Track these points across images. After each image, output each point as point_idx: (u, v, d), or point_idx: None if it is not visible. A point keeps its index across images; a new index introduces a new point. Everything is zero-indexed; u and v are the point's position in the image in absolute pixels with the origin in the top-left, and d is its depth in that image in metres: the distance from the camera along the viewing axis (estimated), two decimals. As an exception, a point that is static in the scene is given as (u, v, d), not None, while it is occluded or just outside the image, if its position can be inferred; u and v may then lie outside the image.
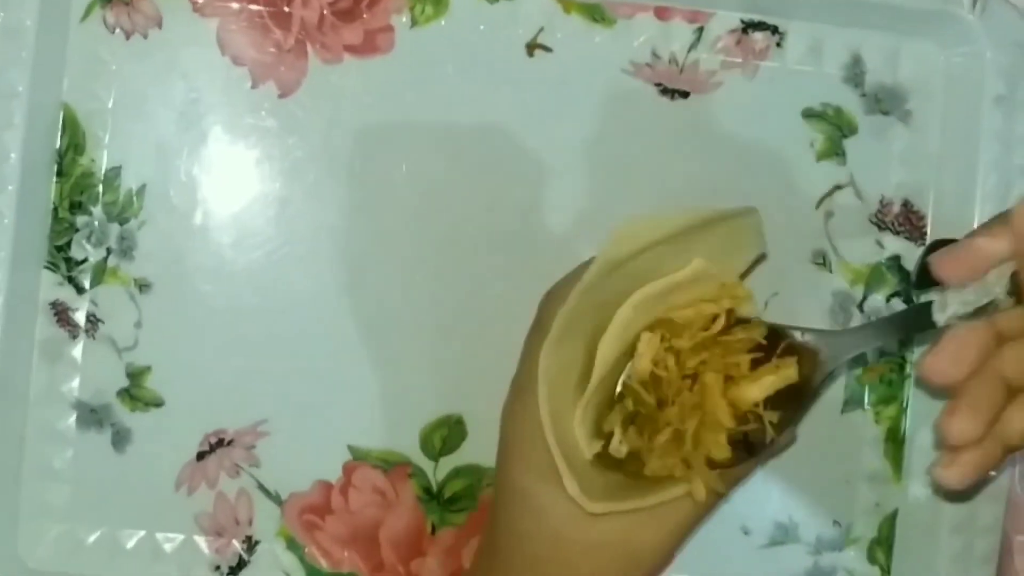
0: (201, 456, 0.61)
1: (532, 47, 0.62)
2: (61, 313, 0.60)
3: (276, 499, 0.61)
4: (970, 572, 0.61)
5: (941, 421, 0.44)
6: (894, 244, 0.63)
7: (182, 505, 0.61)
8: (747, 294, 0.52)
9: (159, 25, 0.60)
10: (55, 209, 0.60)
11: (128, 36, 0.60)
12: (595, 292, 0.49)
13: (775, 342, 0.52)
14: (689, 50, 0.62)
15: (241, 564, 0.61)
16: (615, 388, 0.52)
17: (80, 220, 0.60)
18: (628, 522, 0.49)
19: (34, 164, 0.59)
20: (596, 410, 0.51)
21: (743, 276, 0.55)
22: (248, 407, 0.61)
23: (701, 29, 0.62)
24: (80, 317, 0.60)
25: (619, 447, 0.50)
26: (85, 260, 0.60)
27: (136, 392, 0.61)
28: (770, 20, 0.62)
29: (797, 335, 0.52)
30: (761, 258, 0.56)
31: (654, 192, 0.62)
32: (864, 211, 0.63)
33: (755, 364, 0.51)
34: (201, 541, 0.61)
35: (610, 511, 0.49)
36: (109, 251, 0.60)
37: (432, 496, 0.62)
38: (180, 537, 0.61)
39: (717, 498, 0.51)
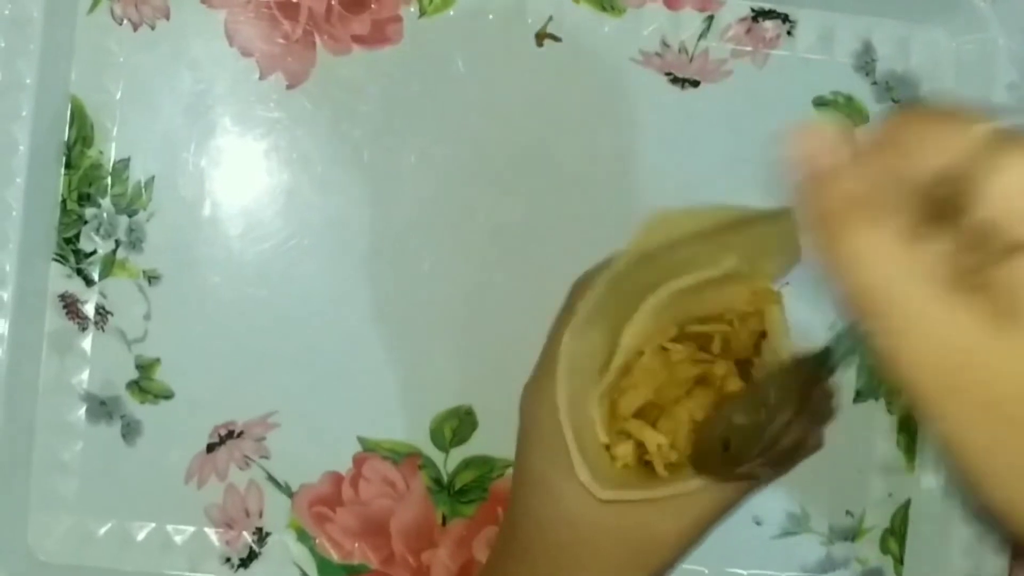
0: (211, 448, 0.61)
1: (541, 37, 0.61)
2: (70, 305, 0.60)
3: (286, 491, 0.61)
4: (983, 562, 0.61)
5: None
6: (906, 232, 0.63)
7: (192, 497, 0.61)
8: (778, 299, 0.51)
9: (167, 16, 0.60)
10: (63, 201, 0.60)
11: (136, 27, 0.60)
12: (624, 281, 0.48)
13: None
14: (699, 39, 0.62)
15: (252, 556, 0.61)
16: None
17: (89, 212, 0.60)
18: (644, 509, 0.49)
19: (42, 156, 0.59)
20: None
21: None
22: (258, 399, 0.61)
23: (711, 18, 0.62)
24: (89, 309, 0.60)
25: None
26: (94, 252, 0.60)
27: (145, 384, 0.60)
28: (780, 8, 0.62)
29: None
30: (797, 264, 0.55)
31: (664, 181, 0.62)
32: (876, 200, 0.63)
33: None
34: (211, 533, 0.61)
35: (620, 499, 0.48)
36: (118, 243, 0.60)
37: (442, 487, 0.62)
38: (190, 529, 0.61)
39: (739, 496, 0.51)
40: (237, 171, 0.61)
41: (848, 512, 0.63)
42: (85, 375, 0.61)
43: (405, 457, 0.61)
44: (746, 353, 0.51)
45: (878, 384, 0.63)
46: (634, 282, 0.49)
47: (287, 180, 0.61)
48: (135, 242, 0.60)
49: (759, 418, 0.47)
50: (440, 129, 0.61)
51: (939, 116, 0.33)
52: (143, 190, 0.60)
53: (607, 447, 0.50)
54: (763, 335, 0.51)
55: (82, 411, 0.61)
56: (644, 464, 0.50)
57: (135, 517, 0.61)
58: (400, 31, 0.61)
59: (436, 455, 0.62)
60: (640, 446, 0.50)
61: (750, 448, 0.48)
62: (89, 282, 0.60)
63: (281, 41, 0.60)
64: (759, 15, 0.62)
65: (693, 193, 0.62)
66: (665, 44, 0.62)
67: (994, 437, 0.32)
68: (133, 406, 0.61)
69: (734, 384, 0.50)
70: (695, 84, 0.62)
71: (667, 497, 0.49)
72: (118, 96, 0.60)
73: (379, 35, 0.61)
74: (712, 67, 0.62)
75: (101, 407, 0.61)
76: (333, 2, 0.60)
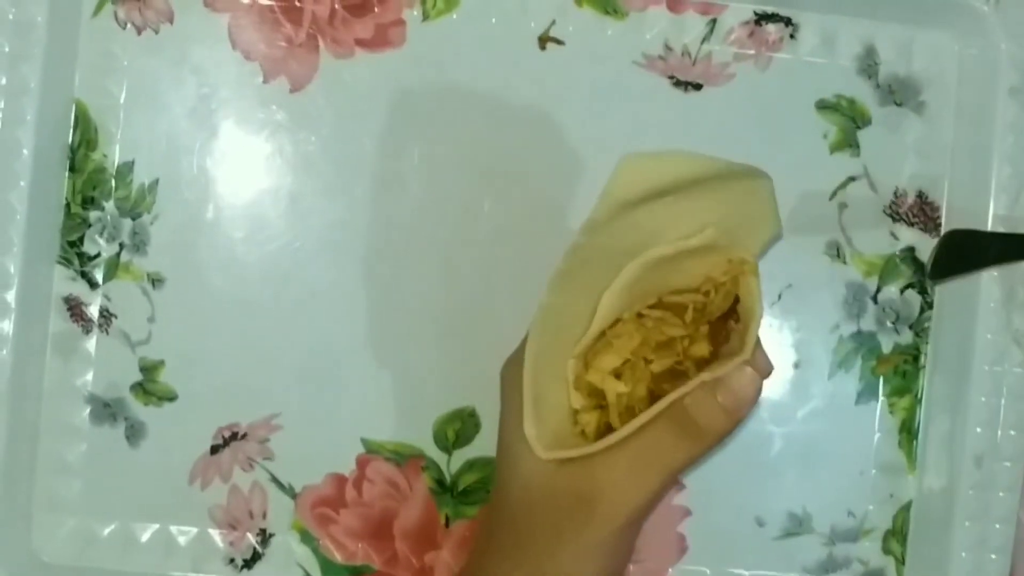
0: (215, 450, 0.61)
1: (544, 40, 0.61)
2: (74, 308, 0.60)
3: (290, 492, 0.61)
4: (985, 563, 0.61)
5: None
6: (908, 235, 0.63)
7: (196, 498, 0.61)
8: (754, 270, 0.52)
9: (170, 20, 0.60)
10: (67, 204, 0.60)
11: (139, 31, 0.60)
12: (603, 234, 0.48)
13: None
14: (702, 42, 0.62)
15: (255, 557, 0.61)
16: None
17: (93, 215, 0.60)
18: (590, 467, 0.49)
19: (46, 159, 0.59)
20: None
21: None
22: (261, 401, 0.61)
23: (714, 21, 0.62)
24: (93, 312, 0.61)
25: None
26: (98, 255, 0.60)
27: (149, 386, 0.61)
28: (783, 12, 0.62)
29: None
30: (776, 237, 0.55)
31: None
32: (878, 202, 0.63)
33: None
34: (215, 534, 0.61)
35: (558, 457, 0.49)
36: (122, 246, 0.60)
37: (446, 489, 0.62)
38: (194, 530, 0.61)
39: (682, 450, 0.50)
40: (241, 174, 0.61)
41: (850, 513, 0.63)
42: (89, 377, 0.61)
43: (408, 459, 0.62)
44: (718, 314, 0.51)
45: (879, 386, 0.63)
46: (614, 238, 0.49)
47: (290, 183, 0.61)
48: (139, 245, 0.60)
49: None
50: (443, 132, 0.61)
51: None
52: (147, 193, 0.60)
53: (575, 413, 0.51)
54: (737, 300, 0.51)
55: (86, 413, 0.61)
56: (603, 433, 0.50)
57: (139, 518, 0.61)
58: (403, 34, 0.61)
59: (439, 456, 0.62)
60: (604, 411, 0.51)
61: None
62: (93, 285, 0.61)
63: (284, 45, 0.61)
64: (762, 18, 0.62)
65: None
66: (668, 47, 0.62)
67: None
68: (137, 408, 0.61)
69: (701, 349, 0.51)
70: (698, 87, 0.62)
71: (607, 449, 0.49)
72: (122, 99, 0.60)
73: (382, 38, 0.61)
74: (715, 70, 0.62)
75: (105, 409, 0.61)
76: (336, 6, 0.60)
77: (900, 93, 0.63)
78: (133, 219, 0.60)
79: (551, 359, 0.50)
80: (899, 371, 0.63)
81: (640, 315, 0.51)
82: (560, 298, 0.49)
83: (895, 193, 0.63)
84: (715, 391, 0.49)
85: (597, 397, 0.51)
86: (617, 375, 0.51)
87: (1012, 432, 0.61)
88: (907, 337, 0.63)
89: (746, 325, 0.50)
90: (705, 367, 0.50)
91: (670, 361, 0.51)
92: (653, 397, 0.50)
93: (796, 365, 0.63)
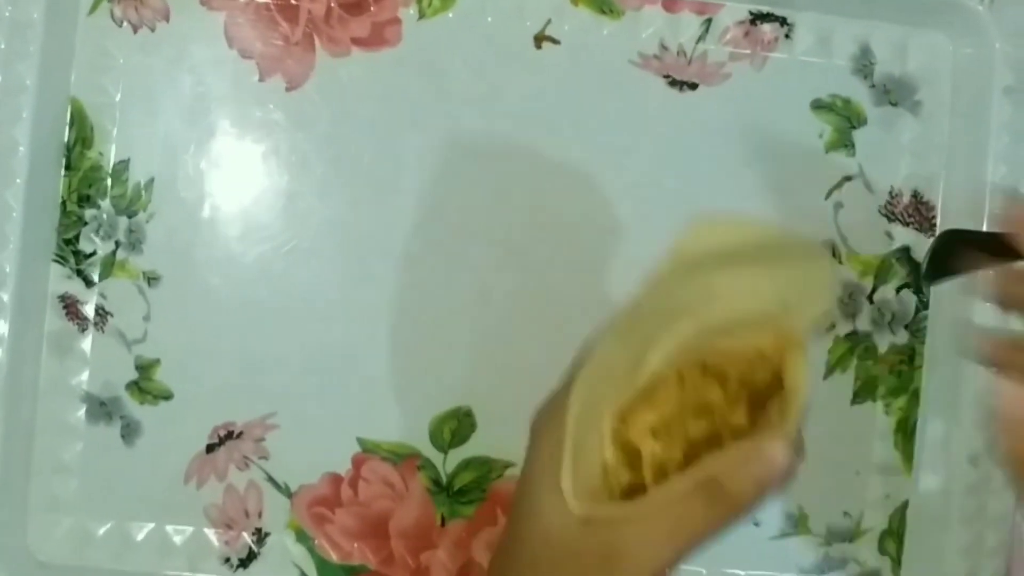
0: (210, 448, 0.61)
1: (540, 39, 0.62)
2: (70, 306, 0.60)
3: (285, 491, 0.61)
4: (980, 563, 0.61)
5: None
6: (904, 235, 0.63)
7: (192, 497, 0.61)
8: (801, 347, 0.51)
9: (166, 19, 0.60)
10: (63, 202, 0.60)
11: (136, 30, 0.60)
12: (663, 291, 0.48)
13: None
14: (697, 42, 0.62)
15: (251, 556, 0.61)
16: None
17: (88, 213, 0.60)
18: (615, 531, 0.49)
19: (42, 158, 0.59)
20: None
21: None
22: (257, 400, 0.61)
23: (709, 21, 0.62)
24: (89, 310, 0.61)
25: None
26: (94, 253, 0.60)
27: (145, 385, 0.61)
28: (778, 11, 0.62)
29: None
30: (827, 315, 0.55)
31: (662, 183, 0.62)
32: (873, 202, 0.63)
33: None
34: (211, 533, 0.61)
35: (590, 513, 0.48)
36: (118, 244, 0.60)
37: (441, 488, 0.62)
38: (190, 529, 0.61)
39: (712, 523, 0.50)
40: (237, 173, 0.61)
41: (846, 513, 0.63)
42: (85, 376, 0.61)
43: (404, 458, 0.62)
44: (760, 386, 0.51)
45: (875, 386, 0.63)
46: (672, 298, 0.49)
47: (286, 182, 0.61)
48: (135, 243, 0.60)
49: None
50: (439, 131, 0.61)
51: None
52: (143, 191, 0.60)
53: (605, 468, 0.50)
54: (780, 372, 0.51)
55: (82, 412, 0.61)
56: (631, 492, 0.50)
57: (135, 518, 0.61)
58: (399, 33, 0.61)
59: (435, 456, 0.62)
60: (635, 469, 0.50)
61: None
62: (89, 283, 0.61)
63: (280, 43, 0.61)
64: (757, 18, 0.62)
65: (692, 194, 0.62)
66: (663, 47, 0.62)
67: None
68: (133, 407, 0.61)
69: (739, 419, 0.50)
70: (693, 87, 0.62)
71: (635, 517, 0.48)
72: (118, 98, 0.60)
73: (378, 37, 0.61)
74: (710, 70, 0.62)
75: (101, 408, 0.61)
76: (332, 4, 0.61)
77: (895, 93, 0.63)
78: (129, 217, 0.60)
79: (590, 411, 0.50)
80: (895, 371, 0.63)
81: (681, 375, 0.51)
82: (612, 351, 0.49)
83: (890, 193, 0.63)
84: (747, 461, 0.49)
85: (631, 453, 0.51)
86: (653, 434, 0.50)
87: (1008, 432, 0.61)
88: (903, 337, 0.63)
89: (789, 403, 0.49)
90: (742, 435, 0.50)
91: (707, 427, 0.50)
92: (687, 459, 0.50)
93: (792, 365, 0.63)
